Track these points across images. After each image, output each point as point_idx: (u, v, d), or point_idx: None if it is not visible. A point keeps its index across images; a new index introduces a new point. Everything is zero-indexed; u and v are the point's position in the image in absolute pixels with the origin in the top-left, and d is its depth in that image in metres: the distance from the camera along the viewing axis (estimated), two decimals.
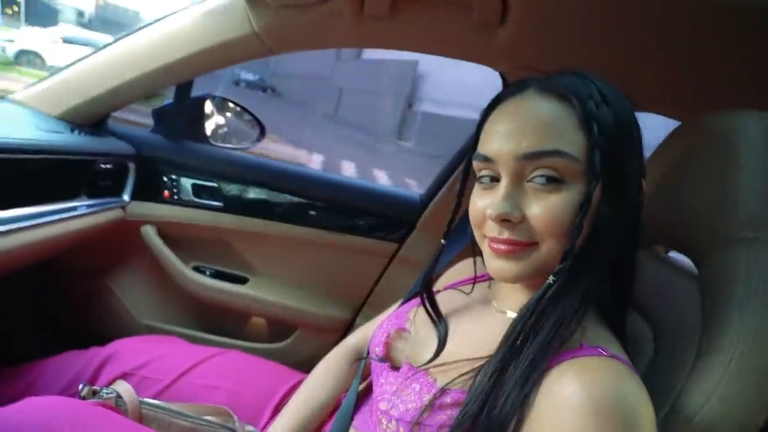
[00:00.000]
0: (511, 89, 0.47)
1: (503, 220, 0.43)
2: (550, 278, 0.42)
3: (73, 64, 0.82)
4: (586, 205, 0.41)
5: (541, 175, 0.42)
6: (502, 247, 0.44)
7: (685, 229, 0.51)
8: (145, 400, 0.63)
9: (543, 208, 0.42)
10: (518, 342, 0.42)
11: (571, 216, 0.41)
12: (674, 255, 0.59)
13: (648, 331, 0.51)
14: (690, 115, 0.56)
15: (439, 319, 0.53)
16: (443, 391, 0.43)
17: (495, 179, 0.45)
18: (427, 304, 0.54)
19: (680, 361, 0.45)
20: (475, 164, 0.47)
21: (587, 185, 0.42)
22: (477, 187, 0.48)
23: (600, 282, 0.45)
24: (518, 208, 0.43)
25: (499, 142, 0.44)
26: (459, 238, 0.77)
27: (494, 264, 0.45)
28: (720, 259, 0.46)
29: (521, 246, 0.43)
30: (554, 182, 0.42)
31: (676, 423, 0.42)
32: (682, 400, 0.43)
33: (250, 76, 14.55)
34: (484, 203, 0.46)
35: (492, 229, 0.45)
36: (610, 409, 0.35)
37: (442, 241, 0.55)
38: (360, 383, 0.60)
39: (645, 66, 0.72)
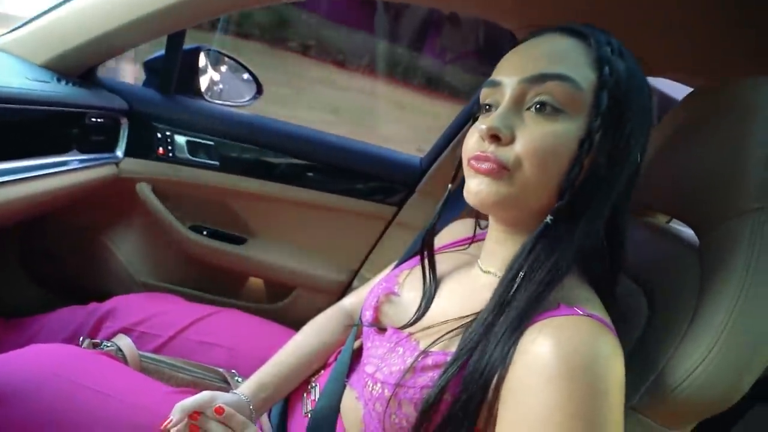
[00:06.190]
0: (531, 33, 0.47)
1: (492, 136, 0.42)
2: (548, 218, 0.41)
3: (57, 6, 0.76)
4: (587, 141, 0.40)
5: (540, 102, 0.41)
6: (483, 165, 0.42)
7: (690, 198, 0.50)
8: (145, 353, 0.64)
9: (534, 134, 0.41)
10: (513, 288, 0.41)
11: (562, 149, 0.40)
12: (675, 225, 0.59)
13: (642, 300, 0.51)
14: (703, 82, 0.53)
15: (433, 278, 0.53)
16: (425, 353, 0.43)
17: (497, 107, 0.44)
18: (426, 263, 0.54)
19: (671, 332, 0.45)
20: (482, 93, 0.46)
21: (589, 121, 0.41)
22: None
23: (594, 238, 0.44)
24: (510, 128, 0.42)
25: (507, 68, 0.44)
26: (455, 204, 0.76)
27: (472, 184, 0.44)
28: (724, 229, 0.45)
29: (500, 166, 0.41)
30: (552, 111, 0.41)
31: (658, 392, 0.43)
32: (667, 371, 0.43)
33: None
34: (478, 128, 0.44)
35: (478, 146, 0.43)
36: (579, 372, 0.35)
37: (449, 185, 0.53)
38: (354, 342, 0.61)
39: (659, 29, 0.68)
